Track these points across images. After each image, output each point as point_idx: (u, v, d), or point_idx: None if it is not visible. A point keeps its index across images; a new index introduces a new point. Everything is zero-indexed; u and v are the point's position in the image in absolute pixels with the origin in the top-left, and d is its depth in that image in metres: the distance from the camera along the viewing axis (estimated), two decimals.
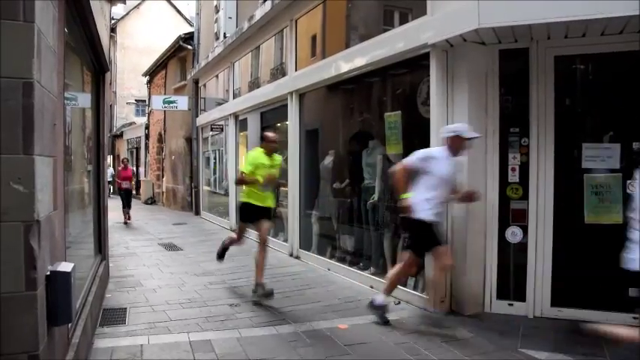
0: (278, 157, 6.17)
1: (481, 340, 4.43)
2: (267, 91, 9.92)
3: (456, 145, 4.68)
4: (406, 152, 5.97)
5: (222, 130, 14.28)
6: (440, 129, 5.21)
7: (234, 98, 12.46)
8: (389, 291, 5.05)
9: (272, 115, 10.57)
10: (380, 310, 4.99)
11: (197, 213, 16.05)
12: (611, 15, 4.12)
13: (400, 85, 6.62)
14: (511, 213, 5.13)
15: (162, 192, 21.36)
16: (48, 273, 2.57)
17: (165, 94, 19.21)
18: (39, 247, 2.36)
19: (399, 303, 5.59)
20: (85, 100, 5.41)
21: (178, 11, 32.51)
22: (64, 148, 3.48)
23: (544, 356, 4.10)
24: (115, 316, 5.15)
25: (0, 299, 2.25)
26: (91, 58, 5.57)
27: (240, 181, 6.29)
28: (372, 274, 6.46)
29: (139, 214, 17.23)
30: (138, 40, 30.84)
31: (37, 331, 2.36)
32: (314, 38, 8.51)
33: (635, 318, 4.64)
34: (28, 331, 2.33)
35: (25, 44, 2.30)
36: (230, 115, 12.43)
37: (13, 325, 2.28)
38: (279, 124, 10.43)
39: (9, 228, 2.27)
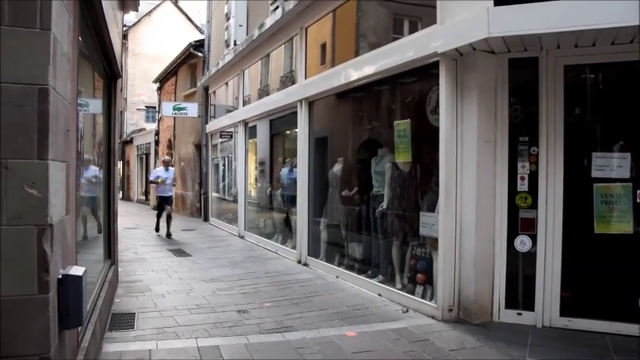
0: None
1: (489, 350, 4.41)
2: (277, 99, 9.97)
3: None
4: (415, 160, 6.00)
5: (231, 137, 14.35)
6: (449, 137, 5.24)
7: (243, 105, 12.53)
8: None
9: (281, 122, 10.63)
10: None
11: (206, 219, 16.10)
12: (621, 24, 4.12)
13: (409, 94, 6.63)
14: (520, 222, 5.12)
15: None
16: (60, 276, 2.60)
17: (175, 100, 19.34)
18: (51, 251, 2.39)
19: (407, 311, 5.58)
20: (96, 106, 5.47)
21: (189, 19, 32.73)
22: (77, 153, 3.53)
23: None
24: (124, 321, 5.18)
25: (11, 301, 2.28)
26: (103, 64, 5.64)
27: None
28: (381, 281, 6.45)
29: (148, 219, 17.30)
30: (149, 47, 31.06)
31: (48, 333, 2.38)
32: (324, 46, 8.55)
33: None
34: (39, 334, 2.35)
35: (41, 51, 2.34)
36: (239, 122, 12.48)
37: (25, 327, 2.31)
38: (288, 132, 10.49)
39: (23, 231, 2.30)
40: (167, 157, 13.64)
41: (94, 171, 5.16)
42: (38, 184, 2.33)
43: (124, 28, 23.04)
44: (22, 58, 2.29)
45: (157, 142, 24.18)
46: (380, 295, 6.20)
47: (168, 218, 12.06)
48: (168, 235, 11.91)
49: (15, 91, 2.28)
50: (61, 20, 2.62)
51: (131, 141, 30.49)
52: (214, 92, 15.88)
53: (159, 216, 12.56)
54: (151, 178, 13.04)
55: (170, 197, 12.58)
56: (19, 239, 2.30)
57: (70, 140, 3.03)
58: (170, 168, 12.81)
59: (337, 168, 7.92)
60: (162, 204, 12.36)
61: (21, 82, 2.29)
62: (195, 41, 18.06)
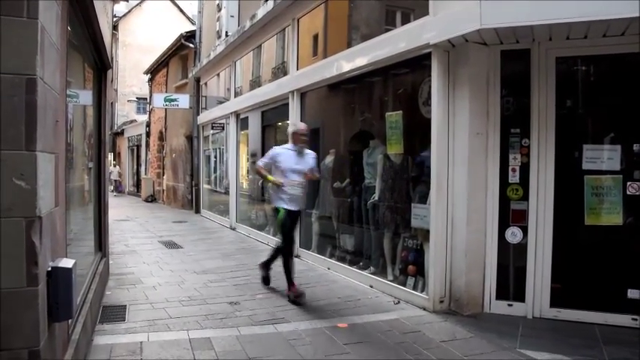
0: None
1: (480, 341, 4.44)
2: (269, 90, 9.93)
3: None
4: (407, 152, 6.00)
5: (223, 128, 14.30)
6: (441, 129, 5.24)
7: (235, 97, 12.47)
8: None
9: (273, 114, 10.59)
10: None
11: (197, 211, 16.06)
12: (612, 17, 4.13)
13: (401, 85, 6.62)
14: (511, 213, 5.14)
15: (163, 190, 21.39)
16: (49, 269, 2.58)
17: (166, 92, 19.23)
18: (40, 243, 2.37)
19: (399, 302, 5.60)
20: (86, 97, 5.42)
21: (180, 9, 32.54)
22: (66, 145, 3.49)
23: (543, 357, 4.10)
24: (115, 314, 5.16)
25: (1, 294, 2.26)
26: (93, 55, 5.58)
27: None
28: (372, 273, 6.46)
29: (139, 211, 17.28)
30: (140, 38, 30.87)
31: (38, 326, 2.36)
32: (316, 37, 8.52)
33: (634, 319, 4.67)
34: (29, 327, 2.34)
35: (29, 41, 2.31)
36: (231, 113, 12.43)
37: (14, 320, 2.29)
38: (280, 123, 10.46)
39: (11, 224, 2.27)
40: (302, 127, 6.01)
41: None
42: (26, 176, 2.30)
43: (115, 19, 22.80)
44: (9, 48, 2.25)
45: (148, 134, 24.09)
46: (371, 286, 6.22)
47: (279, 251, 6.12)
48: (267, 268, 6.41)
49: (2, 81, 2.25)
50: (49, 9, 2.59)
51: (122, 132, 30.37)
52: (206, 83, 15.79)
53: (285, 252, 5.97)
54: (261, 162, 6.06)
55: (300, 212, 6.09)
56: (8, 231, 2.27)
57: (59, 131, 3.00)
58: (307, 151, 6.06)
59: (329, 160, 7.91)
60: (291, 224, 5.92)
61: (8, 72, 2.26)
62: (187, 32, 17.93)
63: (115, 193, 26.10)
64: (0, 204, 2.25)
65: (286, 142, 6.06)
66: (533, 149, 5.01)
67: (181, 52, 18.43)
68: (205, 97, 15.78)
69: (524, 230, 5.08)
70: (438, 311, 5.22)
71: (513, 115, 5.15)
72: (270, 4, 9.21)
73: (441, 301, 5.29)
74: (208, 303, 5.61)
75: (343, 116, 8.21)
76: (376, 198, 6.48)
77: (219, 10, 14.14)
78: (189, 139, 17.19)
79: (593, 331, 4.62)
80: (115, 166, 28.68)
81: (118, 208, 16.63)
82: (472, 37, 4.92)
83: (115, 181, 27.54)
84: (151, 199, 22.18)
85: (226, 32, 13.14)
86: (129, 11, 31.50)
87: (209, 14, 15.87)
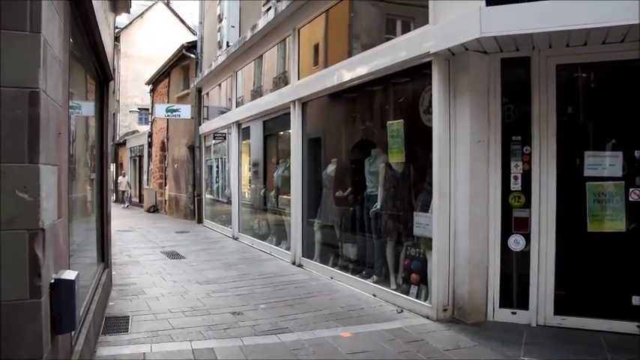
0: None
1: (484, 349, 4.42)
2: (270, 100, 9.96)
3: None
4: (408, 160, 6.01)
5: (224, 138, 14.33)
6: (442, 137, 5.25)
7: (236, 107, 12.50)
8: None
9: (275, 123, 10.61)
10: None
11: (199, 221, 16.06)
12: (611, 23, 4.15)
13: (402, 94, 6.64)
14: (513, 221, 5.13)
15: (165, 200, 21.38)
16: (52, 281, 2.58)
17: (168, 102, 19.27)
18: (43, 255, 2.37)
19: (402, 311, 5.58)
20: (89, 108, 5.44)
21: (182, 20, 32.65)
22: (69, 156, 3.51)
23: None
24: (118, 324, 5.15)
25: (4, 306, 2.26)
26: (95, 67, 5.61)
27: None
28: (375, 282, 6.45)
29: (142, 222, 17.27)
30: (141, 49, 30.98)
31: (41, 338, 2.36)
32: (316, 47, 8.55)
33: (638, 326, 4.65)
34: (32, 339, 2.33)
35: (32, 54, 2.32)
36: (233, 123, 12.47)
37: (18, 332, 2.29)
38: (281, 133, 10.48)
39: (14, 236, 2.28)
40: None
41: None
42: (29, 188, 2.31)
43: (116, 30, 22.92)
44: (11, 62, 2.26)
45: (150, 144, 24.13)
46: (374, 295, 6.20)
47: None
48: None
49: (5, 94, 2.26)
50: (52, 22, 2.61)
51: (124, 143, 30.39)
52: (207, 94, 15.85)
53: None
54: None
55: None
56: (11, 244, 2.27)
57: (62, 143, 3.01)
58: None
59: (331, 169, 7.92)
60: None
61: (11, 86, 2.27)
62: (188, 43, 18.02)
63: (124, 205, 25.68)
64: (3, 216, 2.26)
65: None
66: (535, 156, 5.02)
67: (183, 62, 18.51)
68: (207, 107, 15.83)
69: (527, 238, 5.07)
70: (442, 320, 5.20)
71: (514, 123, 5.16)
72: (270, 15, 9.26)
73: (445, 310, 5.27)
74: (211, 313, 5.60)
75: (345, 125, 8.22)
76: (378, 207, 6.48)
77: (220, 20, 14.21)
78: (191, 149, 17.23)
79: (598, 338, 4.59)
80: (124, 176, 28.29)
81: (120, 218, 16.63)
82: (472, 46, 4.93)
83: (124, 192, 26.96)
84: (154, 209, 22.16)
85: (227, 43, 13.20)
86: (130, 23, 31.60)
87: (210, 25, 15.95)
